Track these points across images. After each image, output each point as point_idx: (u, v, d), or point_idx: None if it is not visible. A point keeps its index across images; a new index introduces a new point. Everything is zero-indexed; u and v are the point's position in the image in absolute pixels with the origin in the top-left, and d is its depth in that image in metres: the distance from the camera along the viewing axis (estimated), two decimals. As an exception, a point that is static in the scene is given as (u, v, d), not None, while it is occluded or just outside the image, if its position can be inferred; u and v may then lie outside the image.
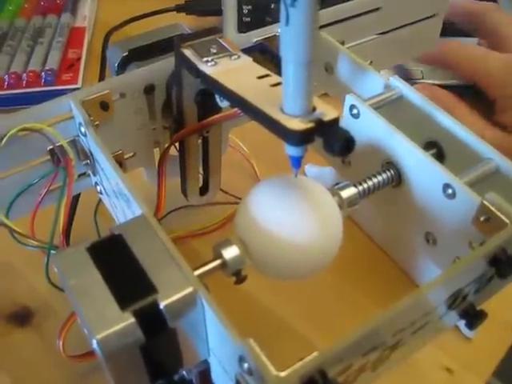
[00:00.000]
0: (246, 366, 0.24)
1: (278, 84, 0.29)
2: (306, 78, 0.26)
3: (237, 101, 0.30)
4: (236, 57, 0.33)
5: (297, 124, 0.26)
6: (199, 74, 0.33)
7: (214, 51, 0.34)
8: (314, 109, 0.27)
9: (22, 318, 0.43)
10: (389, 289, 0.43)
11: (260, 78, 0.31)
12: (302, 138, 0.26)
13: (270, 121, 0.27)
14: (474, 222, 0.32)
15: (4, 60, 0.64)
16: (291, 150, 0.28)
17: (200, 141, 0.40)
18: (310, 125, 0.26)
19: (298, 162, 0.29)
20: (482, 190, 0.32)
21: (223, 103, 0.33)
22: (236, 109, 0.34)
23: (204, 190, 0.44)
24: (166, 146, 0.38)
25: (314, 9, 0.23)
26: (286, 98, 0.27)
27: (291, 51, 0.25)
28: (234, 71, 0.32)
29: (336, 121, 0.27)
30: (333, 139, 0.26)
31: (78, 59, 0.66)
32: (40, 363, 0.40)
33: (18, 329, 0.42)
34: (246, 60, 0.34)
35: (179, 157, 0.40)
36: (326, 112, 0.27)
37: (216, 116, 0.36)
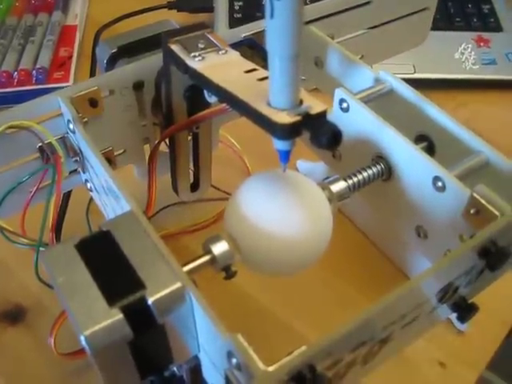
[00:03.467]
0: (234, 361, 0.24)
1: (265, 78, 0.29)
2: (292, 71, 0.26)
3: (224, 95, 0.29)
4: (224, 52, 0.33)
5: (283, 117, 0.26)
6: (187, 69, 0.32)
7: (202, 46, 0.33)
8: (301, 102, 0.27)
9: (14, 316, 0.43)
10: (381, 283, 0.43)
11: (247, 72, 0.31)
12: (288, 132, 0.26)
13: (256, 115, 0.27)
14: (464, 215, 0.32)
15: (-5, 59, 0.64)
16: (279, 144, 0.28)
17: (190, 137, 0.40)
18: (297, 118, 0.26)
19: (285, 157, 0.29)
20: (472, 183, 0.32)
21: (211, 98, 0.33)
22: (225, 104, 0.34)
23: (195, 187, 0.44)
24: (156, 142, 0.37)
25: (299, 1, 0.23)
26: (272, 92, 0.27)
27: (277, 44, 0.25)
28: (221, 66, 0.32)
29: (323, 114, 0.27)
30: (320, 132, 0.26)
31: (70, 57, 0.66)
32: (33, 361, 0.40)
33: (11, 327, 0.42)
34: (234, 55, 0.34)
35: (169, 153, 0.40)
36: (313, 105, 0.27)
37: (205, 111, 0.36)
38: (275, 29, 0.24)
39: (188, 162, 0.41)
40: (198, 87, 0.34)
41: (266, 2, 0.24)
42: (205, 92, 0.33)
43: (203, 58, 0.32)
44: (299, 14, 0.24)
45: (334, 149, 0.25)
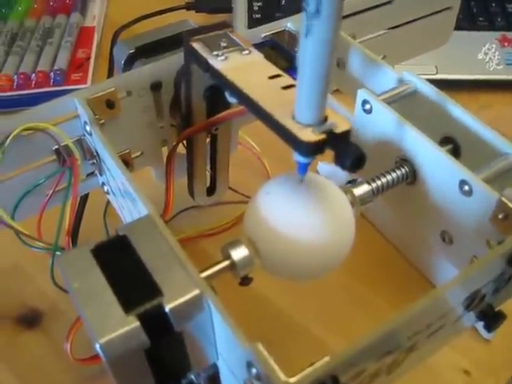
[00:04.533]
0: (254, 371, 0.23)
1: (290, 86, 0.29)
2: (321, 90, 0.25)
3: (246, 102, 0.29)
4: (247, 52, 0.33)
5: (308, 135, 0.25)
6: (209, 68, 0.32)
7: (225, 45, 0.33)
8: (326, 119, 0.26)
9: (30, 320, 0.43)
10: (404, 289, 0.42)
11: (271, 78, 0.30)
12: (313, 150, 0.26)
13: (280, 128, 0.26)
14: (492, 220, 0.31)
15: (13, 61, 0.64)
16: (299, 157, 0.27)
17: (208, 139, 0.40)
18: (322, 137, 0.25)
19: (304, 169, 0.29)
20: (500, 187, 0.31)
21: (233, 99, 0.32)
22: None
23: (211, 190, 0.43)
24: (174, 144, 0.37)
25: (337, 20, 0.23)
26: (299, 107, 0.26)
27: (309, 64, 0.24)
28: (244, 68, 0.31)
29: (348, 133, 0.26)
30: (344, 154, 0.25)
31: (88, 59, 0.65)
32: (49, 366, 0.40)
33: (27, 331, 0.42)
34: (258, 56, 0.33)
35: (187, 155, 0.40)
36: (338, 123, 0.26)
37: (225, 113, 0.35)
38: (309, 48, 0.24)
39: (205, 164, 0.41)
40: (219, 88, 0.33)
41: (302, 19, 0.23)
42: (226, 92, 0.33)
43: (226, 57, 0.32)
44: (336, 33, 0.23)
45: (356, 171, 0.26)
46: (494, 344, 0.40)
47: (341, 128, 0.26)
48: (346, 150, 0.25)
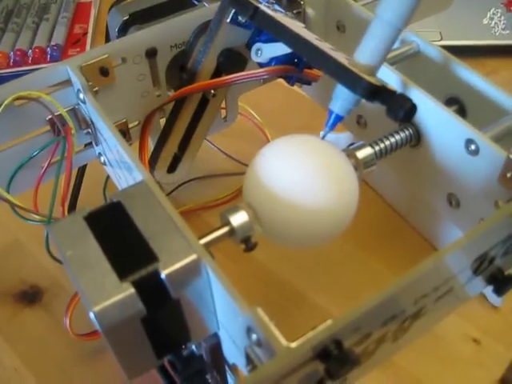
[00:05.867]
0: (254, 337, 0.22)
1: (336, 50, 0.30)
2: (392, 39, 0.28)
3: (301, 45, 0.30)
4: (291, 15, 0.33)
5: (370, 77, 0.28)
6: (256, 13, 0.32)
7: (272, 2, 0.33)
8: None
9: (31, 296, 0.42)
10: (409, 257, 0.41)
11: (318, 40, 0.31)
12: (370, 91, 0.28)
13: (341, 68, 0.28)
14: (500, 180, 0.30)
15: (10, 37, 0.63)
16: (337, 107, 0.30)
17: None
18: (380, 83, 0.28)
19: (335, 123, 0.30)
20: (507, 145, 0.30)
21: (259, 58, 0.33)
22: (258, 70, 0.33)
23: (172, 169, 0.41)
24: (172, 94, 0.37)
25: None
26: (364, 49, 0.29)
27: (392, 13, 0.28)
28: (291, 24, 0.31)
29: (395, 92, 0.29)
30: (397, 105, 0.28)
31: (85, 34, 0.65)
32: (50, 342, 0.39)
33: (28, 308, 0.42)
34: (300, 24, 0.33)
35: (167, 120, 0.38)
36: (387, 84, 0.29)
37: (234, 75, 0.33)
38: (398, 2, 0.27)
39: (182, 133, 0.39)
40: (234, 52, 0.34)
41: None
42: (252, 50, 0.33)
43: (273, 10, 0.32)
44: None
45: (407, 122, 0.28)
46: (502, 311, 0.40)
47: (391, 87, 0.29)
48: (397, 101, 0.28)
